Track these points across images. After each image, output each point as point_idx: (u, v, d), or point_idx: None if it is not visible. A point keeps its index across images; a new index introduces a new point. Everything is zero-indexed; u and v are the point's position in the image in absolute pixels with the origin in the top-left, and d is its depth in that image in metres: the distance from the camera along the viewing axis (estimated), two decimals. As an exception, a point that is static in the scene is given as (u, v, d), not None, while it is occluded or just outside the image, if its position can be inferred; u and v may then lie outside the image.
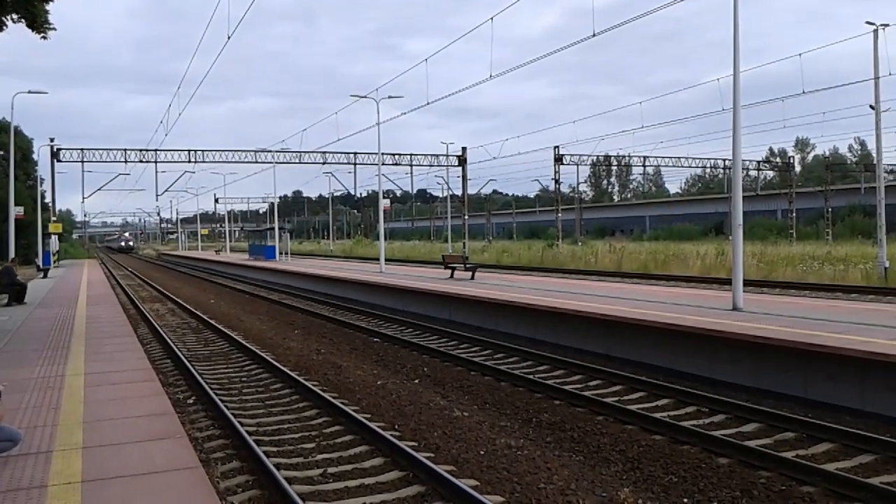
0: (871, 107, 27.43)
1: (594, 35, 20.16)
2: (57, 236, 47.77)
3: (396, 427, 9.13)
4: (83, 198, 53.70)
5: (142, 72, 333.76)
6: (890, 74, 27.70)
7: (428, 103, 32.35)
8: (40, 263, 40.94)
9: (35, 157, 58.04)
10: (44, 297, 23.23)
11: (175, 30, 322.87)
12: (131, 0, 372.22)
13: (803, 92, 33.68)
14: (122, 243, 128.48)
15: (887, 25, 26.23)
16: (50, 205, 49.74)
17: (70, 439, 6.50)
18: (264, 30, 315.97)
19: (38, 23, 14.86)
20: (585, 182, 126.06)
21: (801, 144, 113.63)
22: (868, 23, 26.35)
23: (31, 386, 8.86)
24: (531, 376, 11.77)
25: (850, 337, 10.07)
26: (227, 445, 8.35)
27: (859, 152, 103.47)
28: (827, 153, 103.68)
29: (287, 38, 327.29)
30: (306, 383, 11.25)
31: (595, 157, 59.99)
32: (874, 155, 33.36)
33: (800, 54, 50.90)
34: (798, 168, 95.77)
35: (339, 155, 51.17)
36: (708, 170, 71.21)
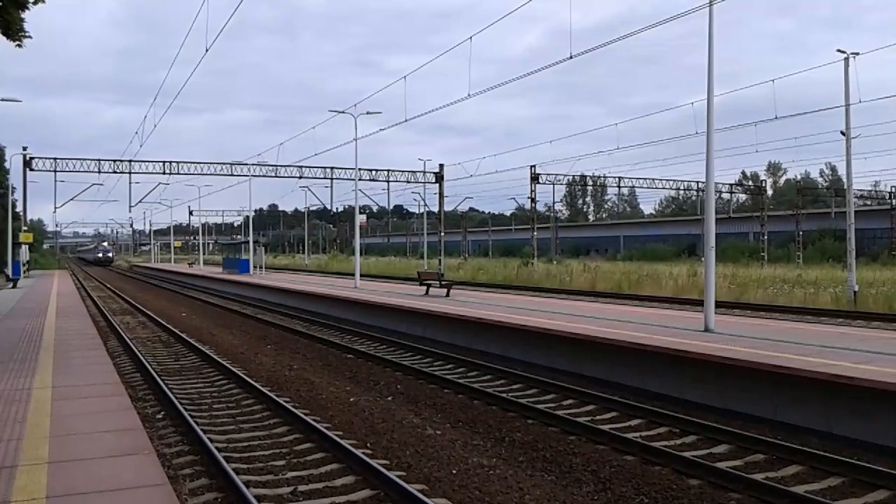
0: (842, 133, 27.89)
1: (571, 57, 20.37)
2: (27, 246, 47.04)
3: (368, 445, 9.08)
4: (55, 207, 53.13)
5: (121, 82, 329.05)
6: (860, 102, 28.27)
7: (406, 120, 32.42)
8: (10, 273, 40.29)
9: (7, 165, 57.39)
10: (12, 308, 22.85)
11: (156, 40, 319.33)
12: (112, 9, 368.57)
13: (776, 117, 34.23)
14: (100, 254, 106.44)
15: (857, 54, 26.75)
16: (21, 214, 49.00)
17: (35, 454, 6.39)
18: (246, 42, 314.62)
19: (13, 30, 14.65)
20: (561, 201, 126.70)
21: (773, 168, 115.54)
22: (839, 51, 26.89)
23: (-4, 399, 8.70)
24: (504, 395, 11.77)
25: (818, 360, 10.20)
26: (196, 462, 8.25)
27: (830, 177, 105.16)
28: (798, 177, 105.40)
29: (268, 52, 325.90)
30: (278, 399, 11.16)
31: (571, 177, 60.28)
32: (844, 180, 33.94)
33: (773, 80, 51.77)
34: (770, 192, 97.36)
35: (315, 169, 51.00)
36: (682, 192, 71.87)
